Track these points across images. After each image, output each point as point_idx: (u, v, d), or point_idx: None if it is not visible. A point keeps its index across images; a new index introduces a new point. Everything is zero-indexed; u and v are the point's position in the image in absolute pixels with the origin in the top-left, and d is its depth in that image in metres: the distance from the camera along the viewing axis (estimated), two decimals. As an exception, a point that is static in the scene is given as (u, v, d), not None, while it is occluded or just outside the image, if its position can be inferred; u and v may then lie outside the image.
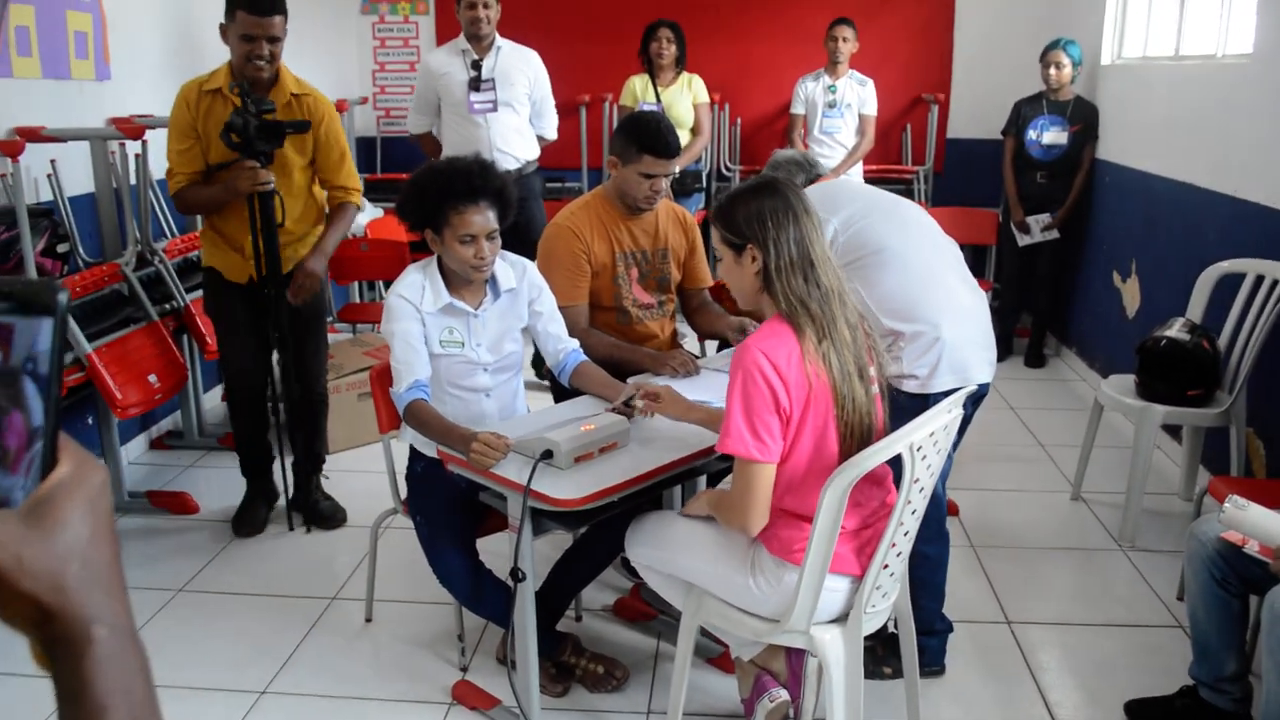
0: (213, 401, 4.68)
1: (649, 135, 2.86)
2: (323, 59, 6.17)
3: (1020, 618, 3.00)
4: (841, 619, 2.06)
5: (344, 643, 2.92)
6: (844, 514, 1.89)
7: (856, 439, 1.98)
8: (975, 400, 2.55)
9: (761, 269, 2.01)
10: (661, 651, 2.83)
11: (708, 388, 2.65)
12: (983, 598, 3.12)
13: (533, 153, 4.72)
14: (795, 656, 2.35)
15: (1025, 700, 2.64)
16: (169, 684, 2.68)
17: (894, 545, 1.99)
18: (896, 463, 1.92)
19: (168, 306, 3.82)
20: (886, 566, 2.01)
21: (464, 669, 2.76)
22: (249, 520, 3.58)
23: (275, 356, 3.53)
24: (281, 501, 3.63)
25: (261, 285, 3.32)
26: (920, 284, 2.54)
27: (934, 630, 2.66)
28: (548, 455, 2.22)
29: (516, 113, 4.60)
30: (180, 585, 3.19)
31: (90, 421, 3.72)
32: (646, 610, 2.96)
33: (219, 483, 3.92)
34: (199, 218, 3.75)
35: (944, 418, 1.97)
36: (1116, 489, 3.71)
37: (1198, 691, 2.41)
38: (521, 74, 4.59)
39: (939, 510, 2.58)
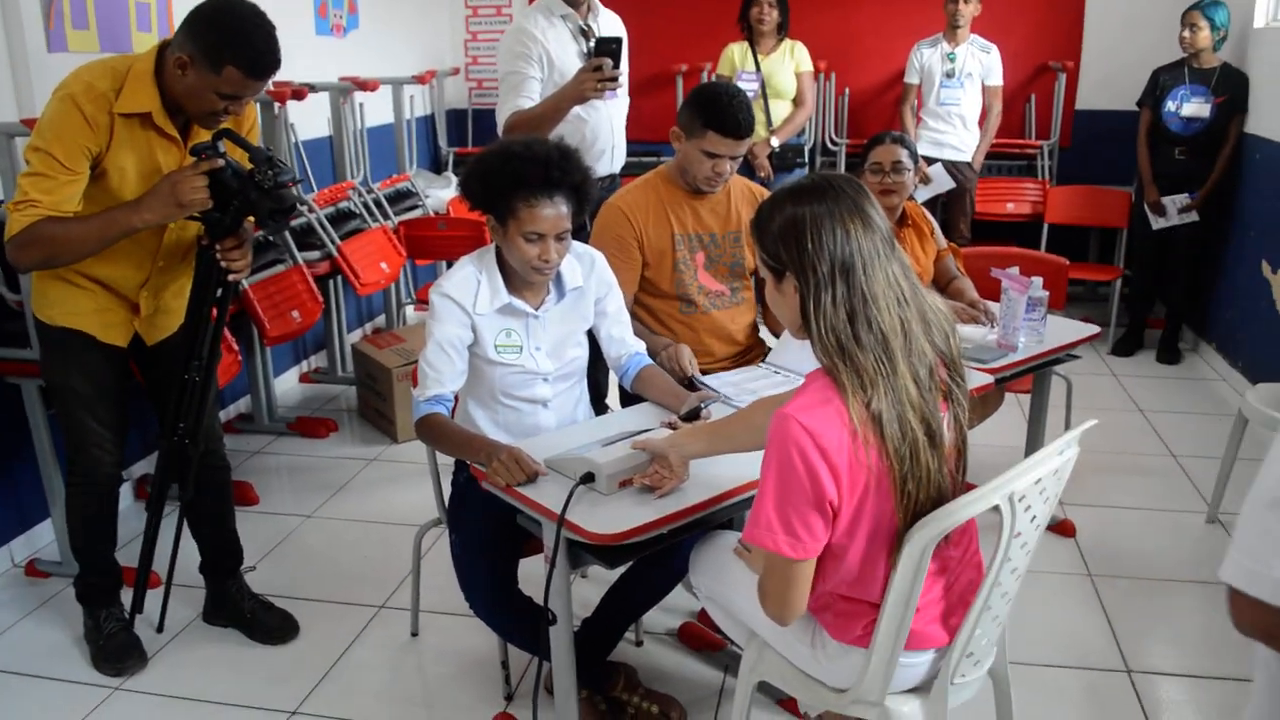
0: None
1: (716, 109, 2.53)
2: (412, 27, 6.00)
3: (1143, 666, 2.61)
4: (924, 688, 1.74)
5: (386, 658, 2.71)
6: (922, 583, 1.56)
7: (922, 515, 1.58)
8: None
9: (799, 302, 1.60)
10: (728, 688, 2.54)
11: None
12: (1099, 639, 2.73)
13: None
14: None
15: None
16: (200, 698, 2.52)
17: (989, 608, 1.66)
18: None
19: (317, 254, 4.19)
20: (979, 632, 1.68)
21: (508, 697, 2.52)
22: (125, 653, 2.67)
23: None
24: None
25: (186, 354, 2.50)
26: None
27: None
28: (589, 479, 1.95)
29: (625, 94, 3.58)
30: (227, 585, 3.01)
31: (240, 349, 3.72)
32: (713, 640, 2.67)
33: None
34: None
35: (1054, 461, 1.61)
36: (1261, 513, 3.25)
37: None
38: (622, 44, 3.56)
39: None
